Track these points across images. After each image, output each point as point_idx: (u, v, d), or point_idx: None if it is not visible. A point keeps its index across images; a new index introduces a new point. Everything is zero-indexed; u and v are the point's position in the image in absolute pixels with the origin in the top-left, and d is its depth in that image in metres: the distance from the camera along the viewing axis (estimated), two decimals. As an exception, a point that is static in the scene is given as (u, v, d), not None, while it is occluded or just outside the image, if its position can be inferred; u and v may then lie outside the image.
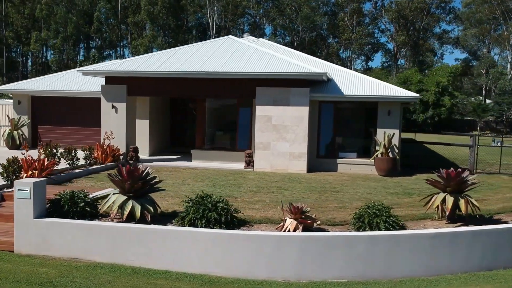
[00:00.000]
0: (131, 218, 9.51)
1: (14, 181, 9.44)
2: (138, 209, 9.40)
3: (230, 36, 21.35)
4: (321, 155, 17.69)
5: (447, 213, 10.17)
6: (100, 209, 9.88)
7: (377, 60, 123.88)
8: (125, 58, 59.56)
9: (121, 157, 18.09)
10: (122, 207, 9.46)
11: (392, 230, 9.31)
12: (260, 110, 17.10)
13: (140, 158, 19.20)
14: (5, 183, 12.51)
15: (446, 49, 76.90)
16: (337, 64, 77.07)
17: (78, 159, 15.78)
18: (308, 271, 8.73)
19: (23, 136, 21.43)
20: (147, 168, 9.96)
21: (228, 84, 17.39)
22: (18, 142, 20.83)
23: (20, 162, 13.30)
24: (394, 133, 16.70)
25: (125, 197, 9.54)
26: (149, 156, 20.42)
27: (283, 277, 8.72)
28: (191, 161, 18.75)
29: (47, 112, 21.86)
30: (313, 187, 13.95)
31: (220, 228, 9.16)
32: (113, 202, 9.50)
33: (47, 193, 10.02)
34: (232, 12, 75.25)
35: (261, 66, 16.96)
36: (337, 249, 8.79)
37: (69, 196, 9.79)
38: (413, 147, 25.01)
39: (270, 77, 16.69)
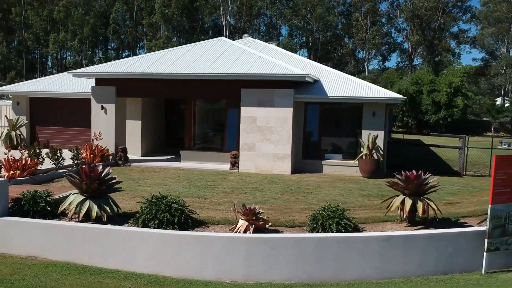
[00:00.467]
0: (89, 218, 9.69)
1: (-23, 181, 9.71)
2: (94, 209, 9.58)
3: (222, 37, 21.47)
4: (307, 156, 17.65)
5: (405, 216, 10.10)
6: (59, 209, 10.08)
7: (394, 60, 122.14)
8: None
9: (110, 157, 18.36)
10: (79, 207, 9.64)
11: (344, 232, 9.28)
12: (245, 112, 17.17)
13: (130, 158, 19.44)
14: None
15: (464, 48, 75.53)
16: (352, 64, 76.67)
17: (63, 159, 16.07)
18: (256, 272, 8.77)
19: (21, 136, 21.93)
20: (106, 169, 10.13)
21: (214, 86, 17.50)
22: (15, 142, 21.31)
23: (3, 161, 13.67)
24: (378, 135, 16.57)
25: (83, 197, 9.73)
26: (142, 156, 20.66)
27: (231, 278, 8.78)
28: (180, 161, 18.91)
29: (44, 113, 22.31)
30: (289, 188, 13.95)
31: (173, 228, 9.27)
32: (70, 202, 9.69)
33: (25, 192, 10.18)
34: (247, 13, 75.38)
35: (247, 68, 17.03)
36: (285, 251, 8.81)
37: (31, 195, 10.02)
38: (411, 148, 24.75)
39: (254, 78, 16.73)
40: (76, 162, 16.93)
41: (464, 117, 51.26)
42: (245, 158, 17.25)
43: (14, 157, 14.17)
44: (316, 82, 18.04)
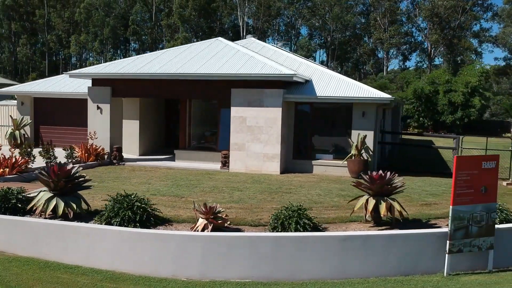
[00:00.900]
0: (62, 215, 9.93)
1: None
2: (61, 206, 9.81)
3: (219, 38, 21.62)
4: (297, 156, 17.65)
5: (366, 216, 10.05)
6: (29, 206, 10.35)
7: (415, 60, 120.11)
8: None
9: (106, 156, 18.69)
10: (46, 204, 9.89)
11: (302, 231, 9.29)
12: (235, 112, 17.27)
13: (127, 157, 19.79)
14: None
15: (487, 47, 73.97)
16: (369, 64, 75.95)
17: (55, 157, 16.46)
18: (211, 270, 8.85)
19: (25, 136, 22.50)
20: (75, 168, 10.36)
21: (205, 86, 17.66)
22: (19, 141, 21.87)
23: (-7, 159, 14.10)
24: (366, 135, 16.45)
25: (51, 195, 9.98)
26: (140, 155, 20.96)
27: (187, 275, 8.88)
28: (175, 161, 19.13)
29: (48, 113, 22.85)
30: (270, 188, 13.99)
31: (135, 226, 9.43)
32: (39, 199, 9.95)
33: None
34: (265, 14, 75.45)
35: (237, 68, 17.13)
36: (240, 250, 8.87)
37: (3, 192, 10.32)
38: (412, 149, 24.45)
39: (243, 78, 16.83)
40: (70, 160, 17.33)
41: (482, 118, 50.29)
42: (235, 158, 17.35)
43: (4, 155, 14.60)
44: (308, 82, 18.01)
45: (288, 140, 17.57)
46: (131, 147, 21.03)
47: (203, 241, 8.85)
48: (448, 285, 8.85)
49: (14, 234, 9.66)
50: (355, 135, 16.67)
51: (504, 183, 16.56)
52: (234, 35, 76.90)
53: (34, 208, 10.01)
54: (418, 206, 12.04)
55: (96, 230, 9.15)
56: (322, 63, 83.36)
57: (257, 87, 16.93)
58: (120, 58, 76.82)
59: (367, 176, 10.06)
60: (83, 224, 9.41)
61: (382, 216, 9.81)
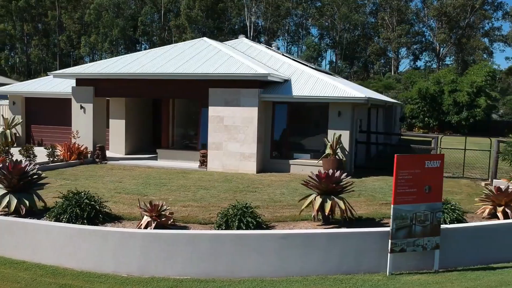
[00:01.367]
0: (15, 211, 10.16)
1: None
2: (13, 202, 10.05)
3: (204, 38, 21.78)
4: (275, 156, 17.70)
5: (314, 214, 10.07)
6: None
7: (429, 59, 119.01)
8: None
9: (89, 155, 18.96)
10: (0, 200, 10.13)
11: (245, 229, 9.36)
12: (213, 111, 17.39)
13: (113, 156, 20.06)
14: None
15: (498, 46, 73.00)
16: (377, 64, 75.42)
17: (35, 156, 16.77)
18: (152, 267, 8.97)
19: (16, 135, 22.92)
20: (31, 166, 10.58)
21: (184, 85, 17.81)
22: (10, 140, 22.29)
23: (-31, 158, 14.42)
24: (341, 134, 16.43)
25: (5, 191, 10.21)
26: (126, 154, 21.20)
27: (127, 271, 9.02)
28: (157, 160, 19.32)
29: (38, 112, 23.26)
30: (237, 187, 14.08)
31: (82, 223, 9.60)
32: (-8, 196, 10.19)
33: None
34: (273, 14, 75.54)
35: (214, 68, 17.25)
36: (180, 247, 8.97)
37: (-38, 189, 10.59)
38: (405, 150, 24.27)
39: (219, 78, 16.94)
40: (51, 159, 17.65)
41: (488, 118, 49.57)
42: (213, 157, 17.47)
43: (-19, 154, 14.93)
44: (286, 82, 18.04)
45: (266, 140, 17.63)
46: (117, 146, 21.29)
47: (143, 238, 8.98)
48: (388, 285, 8.85)
49: (-32, 230, 9.91)
50: (331, 135, 16.65)
51: (483, 183, 16.40)
52: (246, 35, 77.11)
53: (-11, 205, 10.25)
54: (377, 205, 12.03)
55: (42, 227, 9.35)
56: (330, 63, 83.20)
57: (234, 87, 17.03)
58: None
59: (315, 175, 10.08)
60: (30, 220, 9.62)
61: (326, 214, 9.82)
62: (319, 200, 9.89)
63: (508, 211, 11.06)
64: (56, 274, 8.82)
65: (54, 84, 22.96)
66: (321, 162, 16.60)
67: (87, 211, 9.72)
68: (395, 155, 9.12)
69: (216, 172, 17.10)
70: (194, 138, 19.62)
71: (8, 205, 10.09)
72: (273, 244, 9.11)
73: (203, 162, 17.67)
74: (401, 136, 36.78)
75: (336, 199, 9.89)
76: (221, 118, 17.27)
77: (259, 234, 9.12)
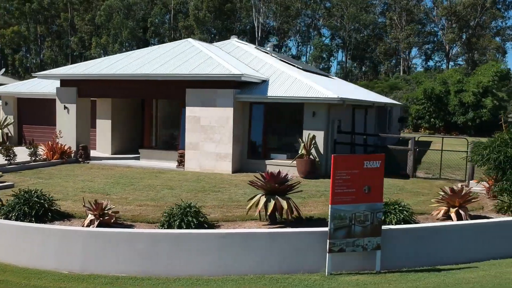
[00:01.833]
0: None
1: None
2: (-33, 200, 10.32)
3: (189, 39, 21.94)
4: (252, 156, 17.77)
5: (256, 214, 10.13)
6: None
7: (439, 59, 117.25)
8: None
9: (72, 155, 19.27)
10: (-46, 198, 10.43)
11: (186, 228, 9.48)
12: (190, 111, 17.54)
13: (97, 156, 20.37)
14: None
15: (510, 46, 71.73)
16: (385, 64, 74.79)
17: (15, 155, 17.12)
18: (92, 264, 9.15)
19: (8, 134, 23.41)
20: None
21: (163, 86, 17.99)
22: (1, 140, 22.78)
23: None
24: (314, 135, 16.42)
25: (-40, 190, 10.51)
26: (112, 154, 21.48)
27: (69, 268, 9.21)
28: (140, 160, 19.55)
29: (30, 112, 23.71)
30: (204, 187, 14.19)
31: (30, 221, 9.82)
32: None
33: None
34: (282, 14, 75.55)
35: (191, 68, 17.40)
36: (119, 245, 9.13)
37: None
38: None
39: (196, 79, 17.09)
40: (34, 158, 18.00)
41: (495, 119, 48.75)
42: (190, 157, 17.62)
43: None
44: (264, 82, 18.10)
45: (243, 140, 17.71)
46: (104, 146, 21.60)
47: (83, 236, 9.16)
48: (323, 285, 8.88)
49: None
50: (306, 135, 16.66)
51: (459, 185, 16.21)
52: (252, 36, 77.34)
53: None
54: (334, 206, 12.00)
55: (-12, 224, 9.60)
56: (340, 64, 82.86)
57: (210, 87, 17.15)
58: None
59: (261, 175, 10.15)
60: (-26, 218, 9.87)
61: (269, 214, 9.88)
62: (263, 200, 9.96)
63: (462, 212, 10.97)
64: (-2, 270, 9.06)
65: (45, 85, 23.35)
66: (295, 162, 16.63)
67: (35, 209, 9.93)
68: (332, 156, 9.14)
69: (193, 171, 17.24)
70: (175, 139, 19.79)
71: (-38, 202, 10.36)
72: (212, 243, 9.21)
73: (181, 162, 17.83)
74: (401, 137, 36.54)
75: (280, 199, 9.93)
76: (198, 119, 17.41)
77: (196, 233, 9.23)
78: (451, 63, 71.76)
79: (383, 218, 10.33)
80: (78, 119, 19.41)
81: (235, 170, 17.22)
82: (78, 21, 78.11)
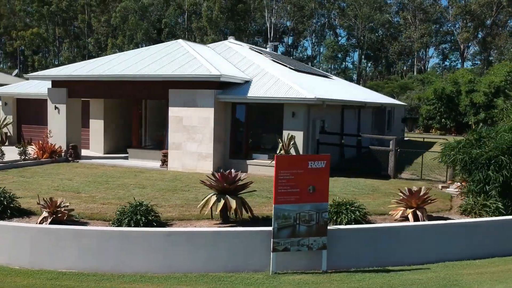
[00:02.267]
0: None
1: None
2: None
3: (179, 40, 22.17)
4: (234, 156, 17.88)
5: (205, 213, 10.25)
6: None
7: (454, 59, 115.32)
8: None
9: (63, 154, 19.70)
10: None
11: (134, 226, 9.66)
12: (173, 112, 17.77)
13: (89, 155, 20.78)
14: None
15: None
16: (399, 64, 73.93)
17: (3, 154, 17.63)
18: (42, 260, 9.41)
19: (8, 134, 24.03)
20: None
21: (148, 86, 18.26)
22: (0, 139, 23.41)
23: None
24: (294, 135, 16.46)
25: None
26: (105, 153, 21.86)
27: (20, 264, 9.48)
28: (128, 159, 19.87)
29: (28, 112, 24.29)
30: (175, 186, 14.38)
31: (-12, 217, 10.15)
32: None
33: None
34: (297, 14, 75.48)
35: (174, 69, 17.63)
36: (67, 242, 9.36)
37: None
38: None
39: (178, 79, 17.31)
40: (23, 157, 18.48)
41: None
42: (173, 157, 17.85)
43: None
44: (247, 82, 18.19)
45: (225, 140, 17.85)
46: (97, 146, 22.00)
47: (32, 232, 9.43)
48: (265, 283, 8.97)
49: None
50: (286, 135, 16.71)
51: (440, 186, 16.09)
52: (266, 37, 77.43)
53: None
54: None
55: None
56: (353, 63, 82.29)
57: (192, 87, 17.35)
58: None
59: (213, 175, 10.28)
60: None
61: (217, 213, 10.01)
62: (213, 199, 10.08)
63: (419, 213, 10.90)
64: (-49, 265, 9.39)
65: (43, 86, 23.84)
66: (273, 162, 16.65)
67: (-6, 205, 10.25)
68: (275, 156, 9.21)
69: (174, 171, 17.45)
70: (161, 138, 20.05)
71: None
72: (157, 241, 9.37)
73: (164, 162, 18.07)
74: (404, 138, 36.22)
75: (229, 198, 10.04)
76: (180, 119, 17.63)
77: (142, 231, 9.40)
78: (469, 62, 70.78)
79: (334, 217, 10.38)
80: (68, 119, 19.81)
81: (217, 170, 17.29)
82: (94, 22, 79.39)
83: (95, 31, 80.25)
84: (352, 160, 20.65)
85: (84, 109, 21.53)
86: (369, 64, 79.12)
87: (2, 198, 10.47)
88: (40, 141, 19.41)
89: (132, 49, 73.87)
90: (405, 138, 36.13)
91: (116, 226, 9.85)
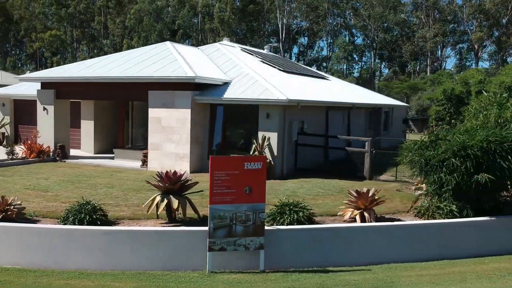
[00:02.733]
0: None
1: None
2: None
3: (167, 42, 22.48)
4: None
5: (149, 212, 10.47)
6: None
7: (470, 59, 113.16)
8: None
9: (51, 154, 20.21)
10: None
11: (79, 224, 9.95)
12: (152, 113, 18.07)
13: (79, 155, 21.28)
14: None
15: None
16: (413, 63, 73.09)
17: (-10, 154, 18.23)
18: (-12, 256, 9.78)
19: (5, 134, 24.74)
20: None
21: (130, 88, 18.61)
22: (-3, 139, 24.15)
23: None
24: (268, 137, 16.57)
25: None
26: (95, 154, 22.31)
27: (-32, 260, 9.87)
28: (114, 159, 20.27)
29: (25, 113, 24.95)
30: (142, 186, 14.49)
31: None
32: None
33: None
34: (310, 15, 75.35)
35: (153, 70, 17.94)
36: (11, 239, 9.72)
37: None
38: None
39: (157, 81, 17.62)
40: (11, 157, 19.05)
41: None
42: (152, 157, 18.15)
43: None
44: (226, 84, 18.37)
45: (203, 140, 18.07)
46: (87, 146, 22.48)
47: (-22, 229, 9.80)
48: (199, 282, 9.16)
49: None
50: (261, 137, 16.83)
51: (413, 187, 15.98)
52: (278, 37, 77.51)
53: None
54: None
55: None
56: (366, 63, 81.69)
57: (170, 89, 17.62)
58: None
59: (158, 175, 10.50)
60: None
61: (158, 213, 10.22)
62: (157, 199, 10.31)
63: (367, 214, 10.92)
64: None
65: (37, 87, 24.48)
66: (248, 163, 16.80)
67: None
68: (210, 156, 9.38)
69: (153, 171, 17.55)
70: (145, 138, 20.37)
71: None
72: (99, 239, 9.65)
73: (144, 162, 18.40)
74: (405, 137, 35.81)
75: (172, 198, 10.25)
76: (159, 120, 17.92)
77: (83, 229, 9.69)
78: (486, 63, 69.58)
79: (278, 218, 10.48)
80: (56, 119, 20.30)
81: (194, 170, 17.59)
82: (110, 24, 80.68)
83: (110, 32, 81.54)
84: (336, 162, 20.60)
85: (76, 110, 22.07)
86: (384, 65, 78.51)
87: (-42, 196, 10.87)
88: (28, 141, 19.95)
89: (147, 50, 74.99)
90: (406, 140, 35.73)
91: (62, 224, 10.15)
